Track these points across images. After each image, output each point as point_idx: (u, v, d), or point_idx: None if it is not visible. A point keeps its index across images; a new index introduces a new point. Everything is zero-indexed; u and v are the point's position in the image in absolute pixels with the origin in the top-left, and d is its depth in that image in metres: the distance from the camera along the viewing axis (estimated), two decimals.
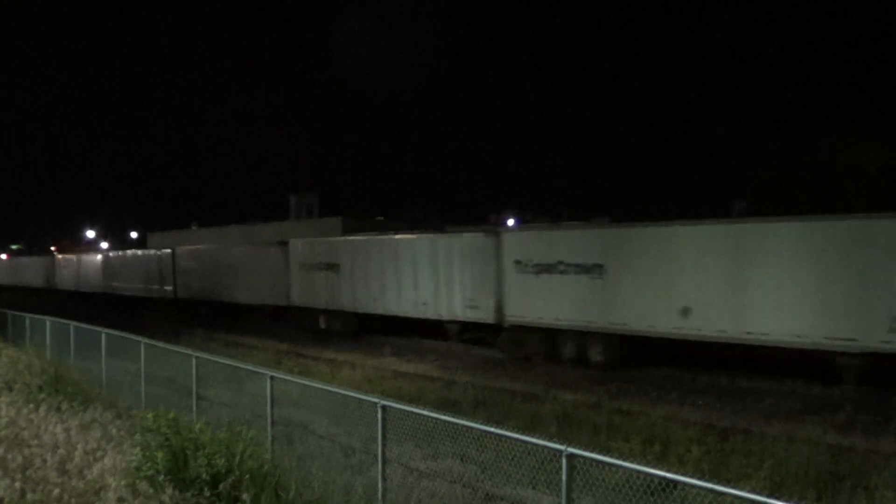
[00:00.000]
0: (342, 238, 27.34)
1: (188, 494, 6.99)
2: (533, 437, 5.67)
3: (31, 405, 10.58)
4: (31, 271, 60.40)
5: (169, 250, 38.16)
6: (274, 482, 7.10)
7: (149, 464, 7.41)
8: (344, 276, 25.65)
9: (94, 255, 47.95)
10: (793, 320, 14.66)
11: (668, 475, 4.67)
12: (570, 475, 5.04)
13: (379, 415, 6.74)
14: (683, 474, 4.68)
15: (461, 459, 7.48)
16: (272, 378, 8.63)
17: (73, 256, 52.83)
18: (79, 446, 8.32)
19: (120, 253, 46.50)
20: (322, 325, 26.88)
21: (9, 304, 30.41)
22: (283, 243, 29.01)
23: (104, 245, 79.64)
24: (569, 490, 5.04)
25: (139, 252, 44.05)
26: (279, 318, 29.17)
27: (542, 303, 19.08)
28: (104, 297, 44.15)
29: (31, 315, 20.61)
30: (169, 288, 37.32)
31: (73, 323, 16.45)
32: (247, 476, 7.05)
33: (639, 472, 4.89)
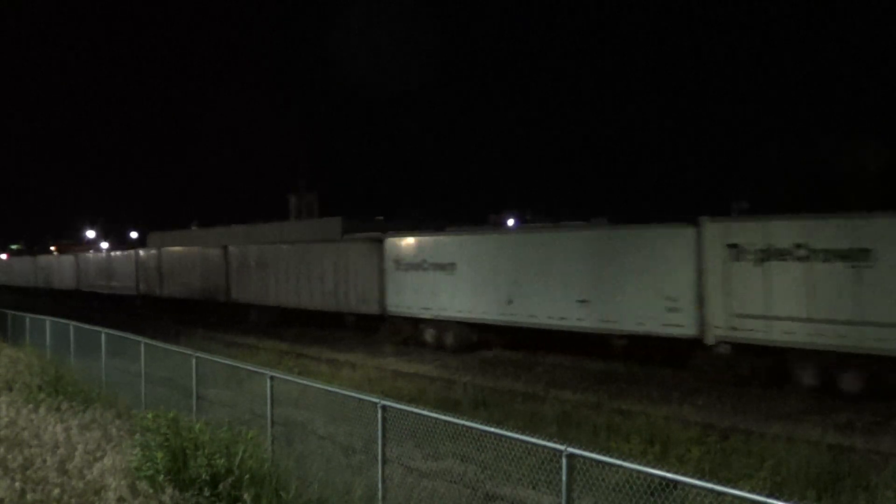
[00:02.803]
0: (461, 234, 22.54)
1: (188, 494, 6.99)
2: (533, 437, 5.67)
3: (31, 405, 10.60)
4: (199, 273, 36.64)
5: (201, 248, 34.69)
6: (274, 482, 7.10)
7: (149, 464, 7.41)
8: (462, 280, 21.24)
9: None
10: None
11: (668, 475, 4.67)
12: (570, 475, 5.04)
13: (379, 415, 6.74)
14: (683, 474, 4.68)
15: (461, 459, 7.49)
16: (272, 378, 8.64)
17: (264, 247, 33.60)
18: (79, 446, 8.33)
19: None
20: (427, 339, 22.43)
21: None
22: (378, 240, 24.74)
23: (104, 245, 78.35)
24: (569, 490, 5.04)
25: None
26: (368, 329, 25.19)
27: (772, 306, 14.69)
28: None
29: (31, 315, 20.61)
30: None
31: (73, 323, 16.45)
32: (247, 476, 7.06)
33: (639, 472, 4.88)
